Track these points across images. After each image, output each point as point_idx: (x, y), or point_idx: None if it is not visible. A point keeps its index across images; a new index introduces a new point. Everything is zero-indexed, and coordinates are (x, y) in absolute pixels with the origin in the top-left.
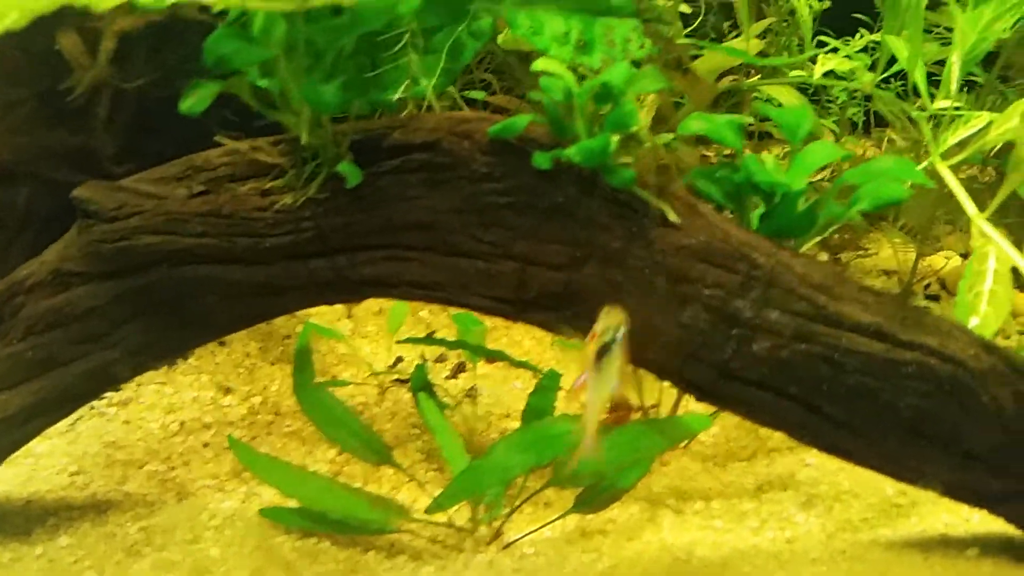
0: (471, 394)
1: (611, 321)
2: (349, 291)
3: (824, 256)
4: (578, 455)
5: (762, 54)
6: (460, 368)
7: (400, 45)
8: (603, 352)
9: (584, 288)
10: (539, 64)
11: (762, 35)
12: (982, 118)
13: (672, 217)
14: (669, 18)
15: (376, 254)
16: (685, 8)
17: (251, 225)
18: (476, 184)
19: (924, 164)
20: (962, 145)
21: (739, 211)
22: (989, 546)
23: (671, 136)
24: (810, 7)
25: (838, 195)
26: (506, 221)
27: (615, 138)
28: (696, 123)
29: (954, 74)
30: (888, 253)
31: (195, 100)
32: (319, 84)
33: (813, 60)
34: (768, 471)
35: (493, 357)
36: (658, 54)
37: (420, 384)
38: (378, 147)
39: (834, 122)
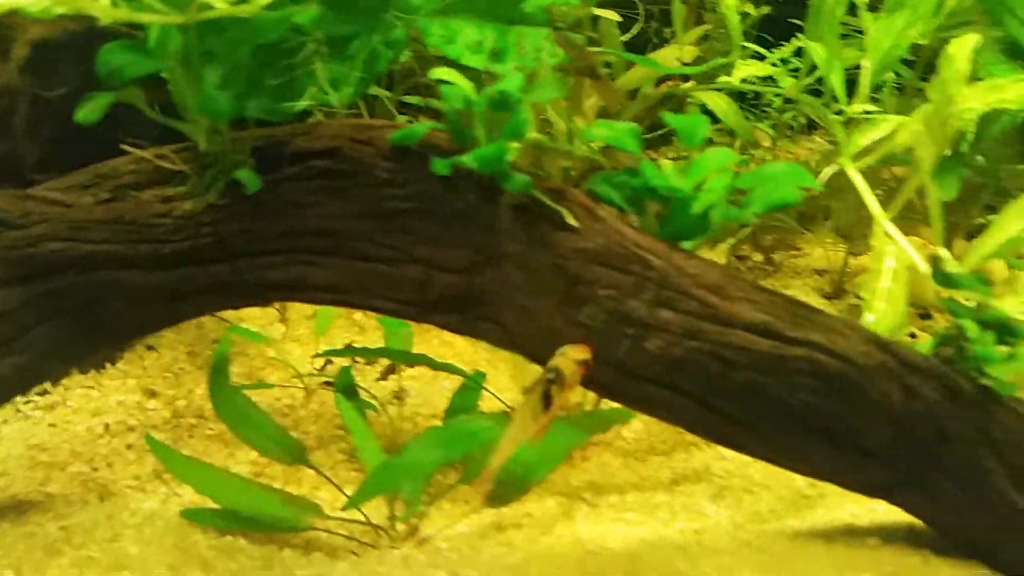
0: (399, 395)
1: (552, 363)
2: (253, 295)
3: (759, 256)
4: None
5: (699, 60)
6: (390, 370)
7: (305, 54)
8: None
9: (485, 291)
10: (437, 72)
11: (703, 40)
12: (891, 122)
13: (570, 221)
14: (607, 27)
15: (277, 259)
16: (615, 16)
17: (151, 231)
18: (377, 190)
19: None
20: (874, 147)
21: (639, 214)
22: (891, 535)
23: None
24: (745, 15)
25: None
26: (408, 226)
27: (514, 145)
28: (599, 130)
29: (866, 79)
30: (820, 253)
31: (89, 110)
32: (214, 93)
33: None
34: (685, 465)
35: (413, 362)
36: (570, 62)
37: (344, 387)
38: (280, 154)
39: (772, 126)
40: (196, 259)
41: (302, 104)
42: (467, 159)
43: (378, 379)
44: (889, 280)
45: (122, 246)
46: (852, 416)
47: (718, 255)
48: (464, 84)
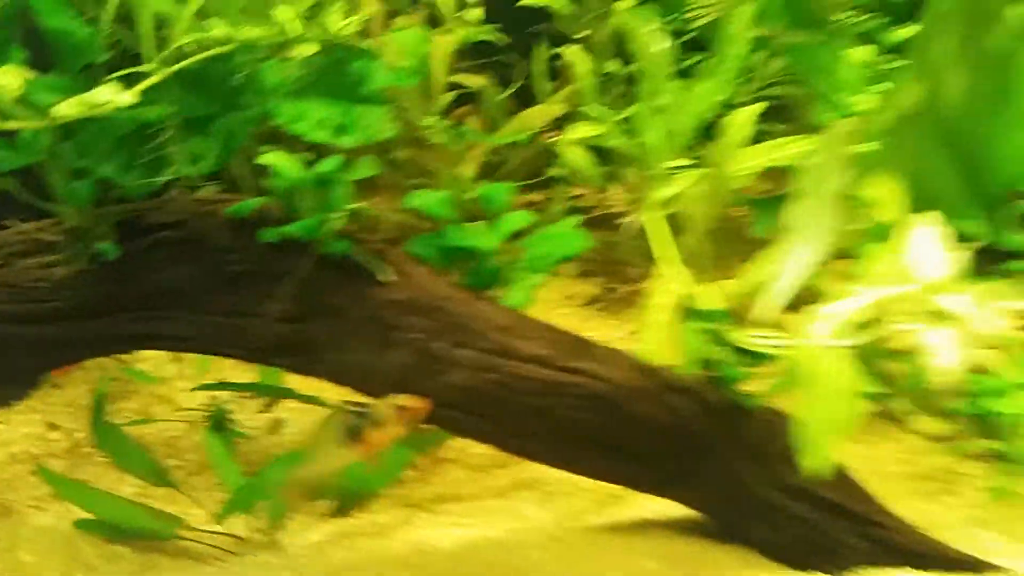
0: (276, 426)
1: (372, 404)
2: (124, 344)
3: (626, 287)
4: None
5: (566, 116)
6: (270, 403)
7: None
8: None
9: (312, 338)
10: (264, 158)
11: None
12: (687, 178)
13: (383, 278)
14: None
15: (140, 315)
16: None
17: (34, 293)
18: (219, 255)
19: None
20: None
21: (448, 268)
22: (681, 526)
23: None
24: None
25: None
26: (245, 285)
27: (334, 215)
28: (414, 200)
29: (678, 138)
30: None
31: None
32: (76, 184)
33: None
34: (520, 475)
35: (281, 396)
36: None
37: (215, 421)
38: (138, 226)
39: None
40: (70, 316)
41: (163, 179)
42: (292, 229)
43: (260, 411)
44: (661, 314)
45: (11, 305)
46: (621, 430)
47: (590, 286)
48: (292, 165)
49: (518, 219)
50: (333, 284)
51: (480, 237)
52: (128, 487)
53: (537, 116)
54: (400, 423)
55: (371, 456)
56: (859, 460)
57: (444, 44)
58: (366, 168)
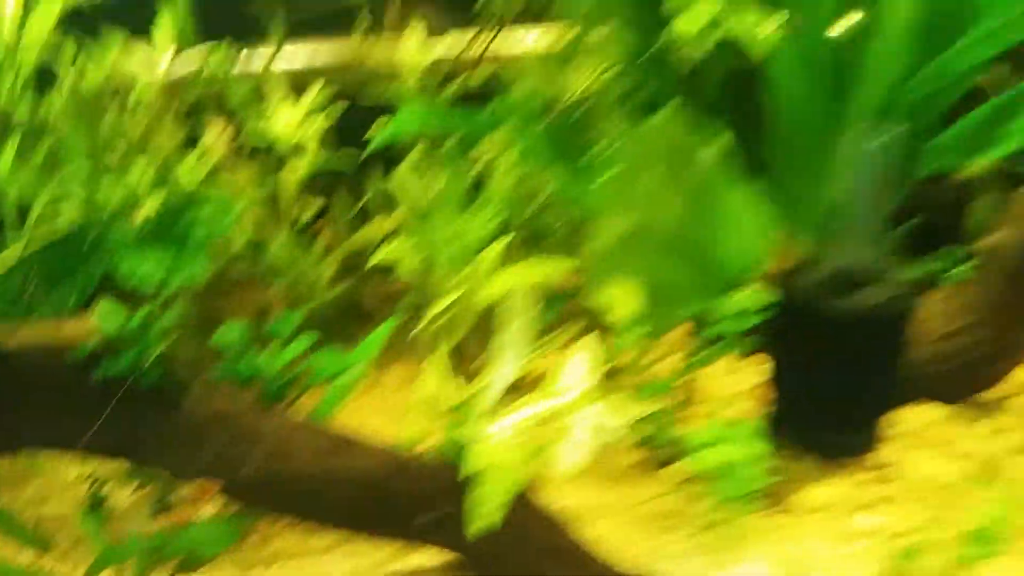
0: (141, 505)
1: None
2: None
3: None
4: None
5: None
6: (141, 485)
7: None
8: None
9: (139, 443)
10: (96, 312)
11: None
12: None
13: (192, 398)
14: None
15: (12, 427)
16: None
17: None
18: (64, 387)
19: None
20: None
21: (250, 385)
22: (455, 566)
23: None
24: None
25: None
26: (84, 406)
27: (152, 351)
28: (218, 336)
29: (458, 260)
30: None
31: None
32: None
33: None
34: (340, 535)
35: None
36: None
37: (92, 502)
38: (6, 364)
39: None
40: None
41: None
42: (117, 366)
43: (135, 489)
44: (420, 407)
45: None
46: (385, 503)
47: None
48: (113, 317)
49: (298, 346)
50: (153, 402)
51: (263, 364)
52: (25, 556)
53: (377, 231)
54: (199, 501)
55: (178, 524)
56: (616, 502)
57: (294, 173)
58: (173, 315)
